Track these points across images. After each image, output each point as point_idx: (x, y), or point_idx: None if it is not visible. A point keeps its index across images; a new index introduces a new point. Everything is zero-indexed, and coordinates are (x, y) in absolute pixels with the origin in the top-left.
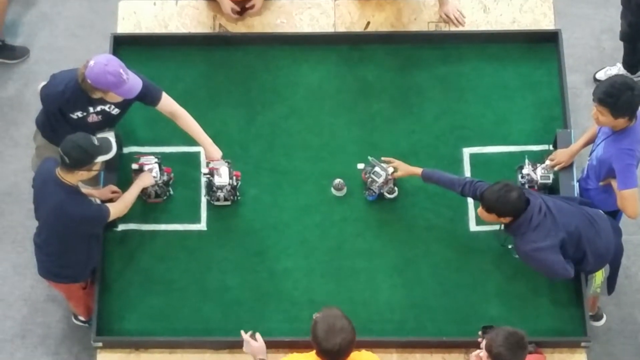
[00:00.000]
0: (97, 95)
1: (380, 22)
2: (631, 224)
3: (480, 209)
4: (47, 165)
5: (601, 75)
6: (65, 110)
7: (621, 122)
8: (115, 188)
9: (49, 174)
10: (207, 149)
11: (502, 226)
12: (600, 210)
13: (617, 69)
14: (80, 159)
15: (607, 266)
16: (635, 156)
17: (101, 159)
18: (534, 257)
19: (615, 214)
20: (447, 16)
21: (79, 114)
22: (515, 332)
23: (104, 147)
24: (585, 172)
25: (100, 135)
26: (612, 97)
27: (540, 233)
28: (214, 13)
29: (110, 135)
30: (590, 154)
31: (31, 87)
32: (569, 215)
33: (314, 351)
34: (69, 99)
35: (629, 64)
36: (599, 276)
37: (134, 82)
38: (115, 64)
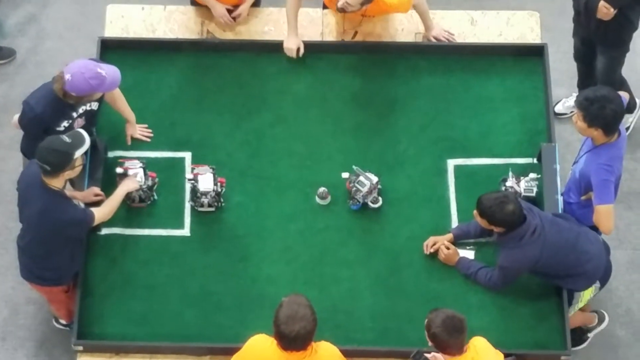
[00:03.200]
0: (82, 100)
1: (368, 32)
2: (612, 239)
3: (475, 211)
4: (33, 169)
5: (560, 108)
6: (51, 127)
7: (595, 133)
8: (98, 191)
9: (35, 177)
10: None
11: (496, 235)
12: (595, 232)
13: (574, 98)
14: (60, 162)
15: (598, 283)
16: (613, 172)
17: (79, 152)
18: (505, 269)
19: (596, 229)
20: (437, 39)
21: (65, 124)
22: (453, 315)
23: (78, 140)
24: (567, 185)
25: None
26: (587, 101)
27: (525, 255)
28: (202, 19)
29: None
30: (573, 165)
31: (17, 89)
32: (565, 232)
33: None
34: (52, 115)
35: (583, 88)
36: (589, 292)
37: (112, 73)
38: (91, 68)
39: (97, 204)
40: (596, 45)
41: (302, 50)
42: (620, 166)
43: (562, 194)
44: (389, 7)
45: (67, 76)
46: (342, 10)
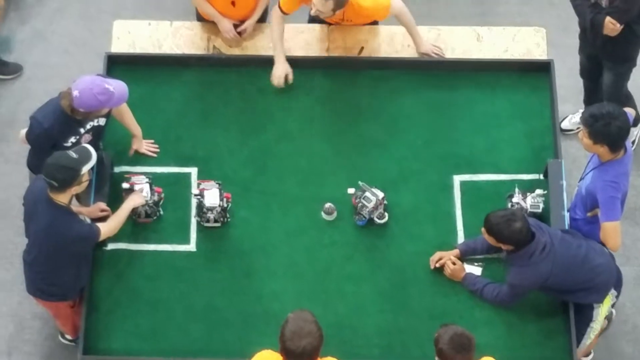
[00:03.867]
0: (90, 116)
1: (374, 48)
2: (618, 255)
3: (483, 229)
4: (39, 184)
5: (566, 124)
6: (59, 142)
7: (601, 150)
8: (104, 206)
9: (41, 192)
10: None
11: (505, 252)
12: (602, 247)
13: (580, 115)
14: (67, 178)
15: (614, 292)
16: (619, 189)
17: (86, 168)
18: (515, 287)
19: (603, 245)
20: (427, 55)
21: (73, 139)
22: (462, 333)
23: (85, 156)
24: (573, 201)
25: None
26: (592, 118)
27: (536, 272)
28: (208, 35)
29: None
30: (579, 181)
31: (23, 104)
32: (574, 248)
33: None
34: (59, 131)
35: (589, 105)
36: (606, 304)
37: (120, 88)
38: (99, 83)
39: (103, 219)
40: (602, 62)
41: (290, 77)
42: (627, 182)
43: (568, 210)
44: (365, 11)
45: (75, 92)
46: (316, 18)
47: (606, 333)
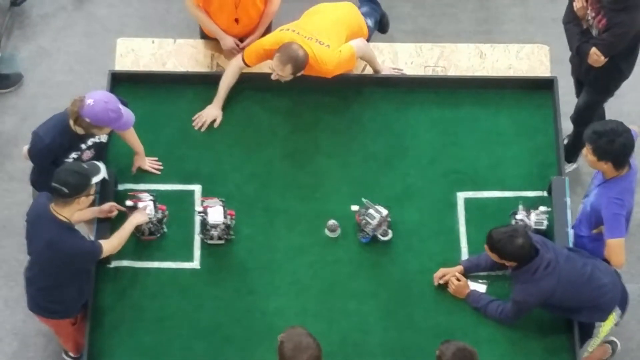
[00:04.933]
0: (89, 132)
1: None
2: (623, 272)
3: (486, 245)
4: (41, 201)
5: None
6: (60, 158)
7: (605, 167)
8: (115, 204)
9: (43, 208)
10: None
11: (509, 269)
12: (608, 265)
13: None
14: (79, 184)
15: (618, 310)
16: (624, 206)
17: (96, 179)
18: (519, 303)
19: (608, 262)
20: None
21: (74, 155)
22: (464, 348)
23: (94, 169)
24: (578, 217)
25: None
26: (596, 135)
27: (539, 289)
28: (211, 52)
29: (96, 162)
30: (584, 198)
31: (28, 122)
32: (579, 266)
33: None
34: (61, 145)
35: (569, 150)
36: (608, 323)
37: (128, 115)
38: (114, 101)
39: (111, 218)
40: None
41: (217, 123)
42: (632, 199)
43: (572, 227)
44: (328, 68)
45: (89, 101)
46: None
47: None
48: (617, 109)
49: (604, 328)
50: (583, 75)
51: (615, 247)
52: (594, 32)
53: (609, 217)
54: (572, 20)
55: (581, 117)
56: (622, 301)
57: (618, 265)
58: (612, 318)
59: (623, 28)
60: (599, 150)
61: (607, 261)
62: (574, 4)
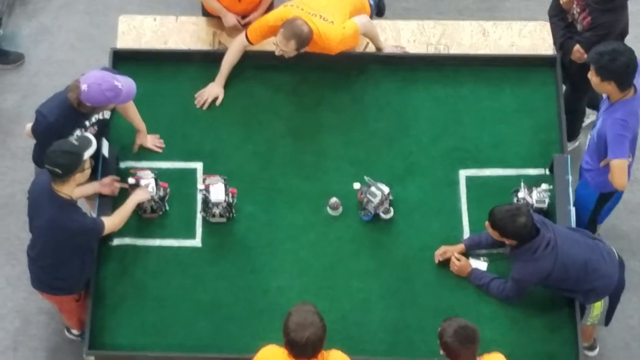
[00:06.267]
0: (96, 110)
1: None
2: (624, 250)
3: (487, 223)
4: (43, 178)
5: None
6: (64, 136)
7: (609, 87)
8: (117, 178)
9: (44, 186)
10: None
11: (508, 248)
12: (611, 247)
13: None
14: (70, 163)
15: (607, 298)
16: (627, 128)
17: (87, 154)
18: (519, 282)
19: (611, 195)
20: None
21: (78, 132)
22: (466, 325)
23: (85, 142)
24: (587, 146)
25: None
26: (598, 54)
27: (539, 268)
28: (213, 30)
29: (87, 134)
30: (592, 129)
31: (29, 99)
32: (579, 248)
33: None
34: (65, 124)
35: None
36: (597, 307)
37: (128, 86)
38: (108, 80)
39: (114, 192)
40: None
41: (219, 101)
42: (637, 123)
43: (574, 205)
44: (333, 45)
45: (84, 87)
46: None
47: (610, 326)
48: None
49: (594, 312)
50: (567, 67)
51: (618, 168)
52: (579, 27)
53: (613, 137)
54: (557, 13)
55: (567, 103)
56: (616, 292)
57: (620, 187)
58: (601, 305)
59: (606, 29)
60: (602, 69)
61: (609, 196)
62: None
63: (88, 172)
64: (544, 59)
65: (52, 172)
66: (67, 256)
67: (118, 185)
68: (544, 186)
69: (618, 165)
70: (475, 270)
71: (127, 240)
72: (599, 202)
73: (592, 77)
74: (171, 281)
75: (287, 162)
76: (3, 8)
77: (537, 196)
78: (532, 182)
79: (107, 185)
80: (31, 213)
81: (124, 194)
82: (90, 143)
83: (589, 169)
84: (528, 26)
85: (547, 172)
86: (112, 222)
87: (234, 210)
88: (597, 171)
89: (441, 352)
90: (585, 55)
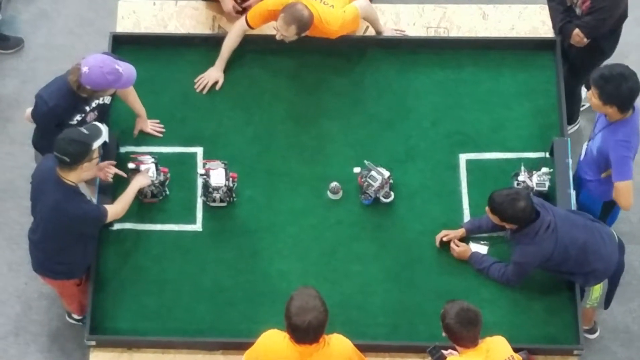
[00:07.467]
0: (94, 95)
1: None
2: (626, 234)
3: (487, 208)
4: (48, 164)
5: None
6: (64, 121)
7: (610, 111)
8: (113, 163)
9: (50, 172)
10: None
11: (508, 232)
12: (611, 229)
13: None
14: (79, 152)
15: (606, 281)
16: (630, 148)
17: (97, 144)
18: (520, 265)
19: (615, 203)
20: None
21: (78, 117)
22: (468, 308)
23: (95, 132)
24: (582, 157)
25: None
26: (603, 80)
27: (540, 250)
28: (213, 14)
29: (98, 123)
30: (588, 141)
31: (29, 84)
32: (578, 229)
33: None
34: (65, 109)
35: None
36: (597, 290)
37: (128, 70)
38: (109, 63)
39: (112, 194)
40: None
41: (219, 85)
42: (637, 140)
43: (574, 188)
44: (333, 29)
45: (85, 69)
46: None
47: (611, 309)
48: None
49: (593, 295)
50: (566, 51)
51: (623, 190)
52: (578, 11)
53: (617, 159)
54: None
55: (566, 86)
56: (615, 275)
57: (626, 207)
58: (600, 288)
59: (606, 13)
60: (606, 94)
61: (612, 204)
62: None
63: (96, 161)
64: (544, 42)
65: (60, 159)
66: (69, 241)
67: (112, 170)
68: (544, 170)
69: (624, 187)
70: (476, 253)
71: (128, 225)
72: (604, 211)
73: (593, 98)
74: (172, 266)
75: (287, 147)
76: None
77: (538, 179)
78: (533, 166)
79: (103, 168)
80: (34, 197)
81: (124, 181)
82: (100, 133)
83: (590, 180)
84: (528, 9)
85: (547, 156)
86: (114, 209)
87: (234, 195)
88: (599, 181)
89: (443, 334)
90: (585, 39)
